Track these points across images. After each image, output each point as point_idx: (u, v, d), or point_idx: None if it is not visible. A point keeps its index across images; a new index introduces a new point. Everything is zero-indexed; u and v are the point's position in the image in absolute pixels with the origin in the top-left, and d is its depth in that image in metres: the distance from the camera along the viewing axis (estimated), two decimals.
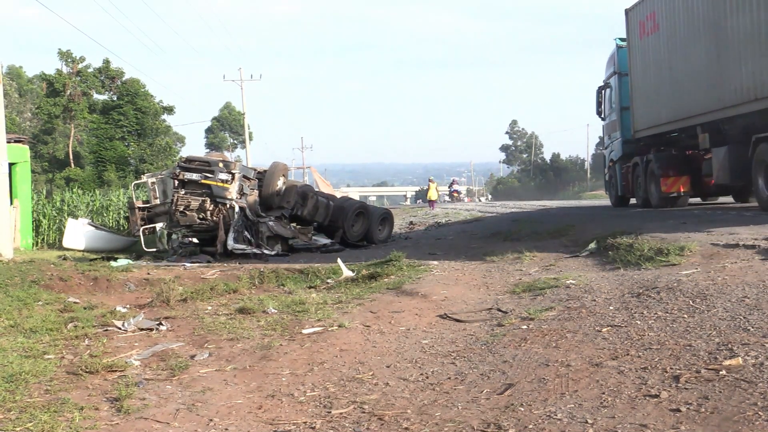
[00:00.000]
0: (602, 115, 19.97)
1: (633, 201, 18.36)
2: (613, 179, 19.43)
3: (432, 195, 36.34)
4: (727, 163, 12.87)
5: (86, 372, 5.30)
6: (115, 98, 43.22)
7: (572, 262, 9.21)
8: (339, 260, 10.66)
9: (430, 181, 39.50)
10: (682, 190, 15.32)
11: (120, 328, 6.99)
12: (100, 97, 44.38)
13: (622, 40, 17.86)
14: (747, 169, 12.13)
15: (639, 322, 5.31)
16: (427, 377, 4.83)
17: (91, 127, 43.30)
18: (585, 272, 8.11)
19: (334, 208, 15.96)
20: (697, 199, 16.78)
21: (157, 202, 15.48)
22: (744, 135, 12.27)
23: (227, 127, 69.33)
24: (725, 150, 12.97)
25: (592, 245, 9.80)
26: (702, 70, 13.38)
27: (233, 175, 13.83)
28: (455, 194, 55.06)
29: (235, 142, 68.90)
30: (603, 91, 19.57)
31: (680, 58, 14.46)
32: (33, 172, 26.51)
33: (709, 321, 5.00)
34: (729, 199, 15.92)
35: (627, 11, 17.07)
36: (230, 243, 13.38)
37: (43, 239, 20.27)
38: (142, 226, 15.07)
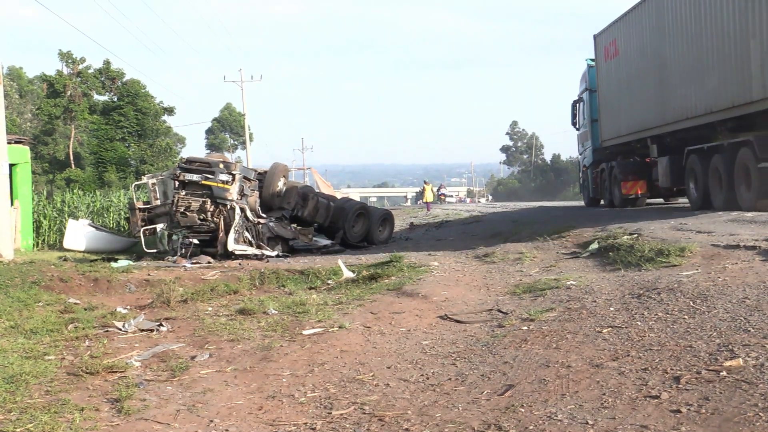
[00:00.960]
0: (577, 126, 22.82)
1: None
2: (586, 182, 22.48)
3: (428, 197, 36.75)
4: (668, 169, 15.69)
5: (87, 373, 5.30)
6: (115, 99, 43.29)
7: (573, 262, 9.21)
8: (339, 261, 10.66)
9: (425, 183, 40.20)
10: (639, 192, 18.06)
11: (120, 329, 6.99)
12: (100, 98, 44.46)
13: (591, 60, 20.66)
14: (682, 175, 14.98)
15: (639, 323, 5.31)
16: (428, 378, 4.83)
17: (92, 128, 43.36)
18: (585, 273, 8.11)
19: (335, 209, 15.96)
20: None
21: (158, 203, 15.48)
22: (681, 147, 14.88)
23: (228, 127, 69.41)
24: (667, 159, 15.72)
25: (593, 246, 9.81)
26: (650, 91, 15.98)
27: (234, 176, 13.82)
28: (442, 197, 61.54)
29: (236, 142, 68.98)
30: (577, 105, 22.44)
31: (635, 80, 17.05)
32: (33, 173, 26.53)
33: (710, 322, 5.00)
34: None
35: (595, 36, 19.96)
36: (231, 244, 13.38)
37: (43, 240, 20.28)
38: (142, 227, 15.06)
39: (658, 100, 15.58)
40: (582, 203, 24.57)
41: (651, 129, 16.30)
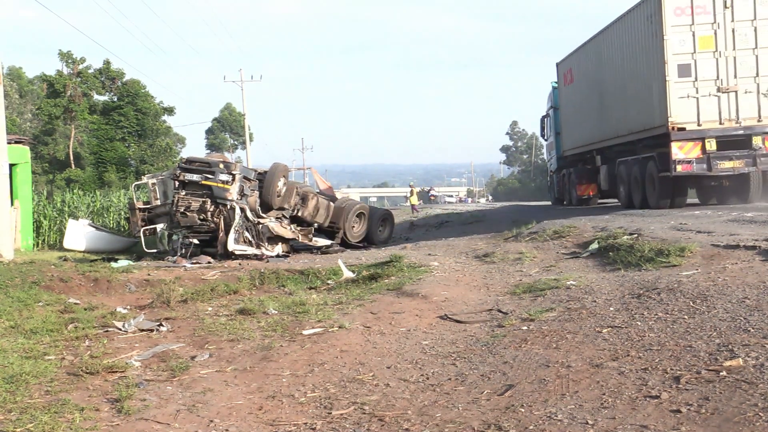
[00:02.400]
0: (545, 137, 27.50)
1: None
2: (552, 185, 27.26)
3: (413, 200, 37.35)
4: (606, 176, 19.87)
5: (87, 373, 5.30)
6: (115, 99, 43.26)
7: (573, 263, 9.21)
8: (339, 261, 10.66)
9: (410, 186, 41.52)
10: (591, 193, 22.09)
11: (120, 329, 6.99)
12: (100, 98, 44.41)
13: (555, 83, 24.76)
14: (615, 181, 18.76)
15: (639, 323, 5.32)
16: (428, 378, 4.83)
17: (92, 128, 43.32)
18: (585, 273, 8.12)
19: (335, 209, 15.96)
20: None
21: (158, 203, 15.48)
22: (615, 158, 18.80)
23: (228, 128, 69.35)
24: (606, 167, 19.87)
25: (593, 246, 9.81)
26: (594, 113, 20.11)
27: (234, 176, 13.82)
28: (432, 198, 72.07)
29: (236, 142, 68.93)
30: (545, 120, 26.62)
31: (584, 103, 21.26)
32: (33, 173, 26.50)
33: (710, 322, 5.00)
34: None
35: (557, 64, 23.93)
36: (231, 244, 13.38)
37: (43, 240, 20.26)
38: (142, 227, 15.06)
39: (599, 120, 19.75)
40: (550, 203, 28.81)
41: (595, 143, 20.49)
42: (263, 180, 14.78)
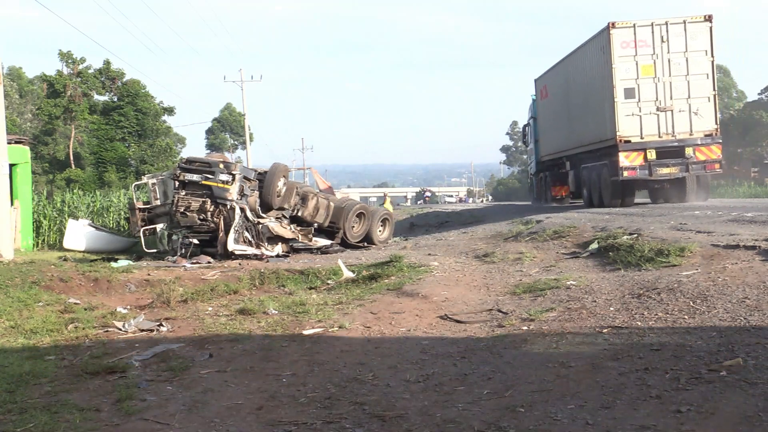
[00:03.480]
0: (526, 144, 31.62)
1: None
2: (532, 186, 31.21)
3: (388, 206, 37.81)
4: (573, 179, 22.97)
5: (87, 373, 5.29)
6: (115, 99, 43.25)
7: (573, 262, 9.21)
8: (339, 261, 10.66)
9: (384, 195, 42.44)
10: (563, 194, 25.42)
11: (120, 329, 6.99)
12: (100, 98, 44.40)
13: (534, 96, 28.17)
14: (580, 184, 22.21)
15: (639, 323, 5.32)
16: (428, 378, 4.82)
17: (92, 128, 43.31)
18: (585, 273, 8.12)
19: (335, 209, 15.96)
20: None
21: (158, 203, 15.47)
22: (580, 164, 22.05)
23: (228, 128, 69.31)
24: (573, 172, 22.99)
25: (593, 246, 9.81)
26: (563, 125, 23.40)
27: (234, 176, 13.82)
28: (426, 198, 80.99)
29: (236, 142, 68.88)
30: (526, 128, 30.76)
31: (556, 116, 24.57)
32: (33, 173, 26.49)
33: (710, 322, 5.00)
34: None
35: (535, 80, 27.36)
36: (231, 244, 13.37)
37: (43, 240, 20.25)
38: (142, 227, 15.06)
39: (567, 131, 23.01)
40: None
41: (565, 151, 23.63)
42: (263, 180, 14.78)
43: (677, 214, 13.45)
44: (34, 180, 27.33)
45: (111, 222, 22.46)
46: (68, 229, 17.78)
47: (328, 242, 15.57)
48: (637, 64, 18.16)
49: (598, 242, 9.87)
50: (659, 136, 18.04)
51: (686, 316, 5.25)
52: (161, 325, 7.07)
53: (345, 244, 15.75)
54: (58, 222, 20.73)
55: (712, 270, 6.69)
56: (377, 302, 7.70)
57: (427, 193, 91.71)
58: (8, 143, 14.73)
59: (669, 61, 18.06)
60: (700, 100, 18.14)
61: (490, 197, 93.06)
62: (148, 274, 10.80)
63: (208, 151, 64.63)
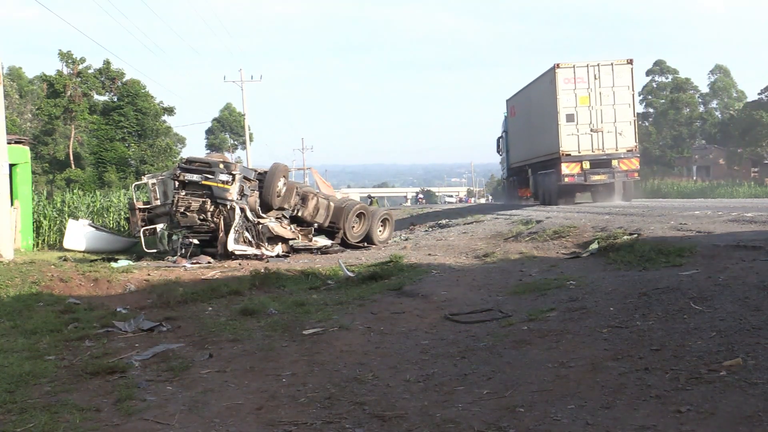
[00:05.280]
0: (500, 153, 37.90)
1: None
2: (504, 189, 41.51)
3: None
4: (533, 183, 28.79)
5: (87, 373, 5.29)
6: (115, 99, 43.27)
7: (573, 263, 9.21)
8: (339, 261, 10.67)
9: (369, 197, 44.84)
10: (527, 195, 31.02)
11: (120, 329, 6.98)
12: (100, 98, 44.43)
13: (506, 113, 34.35)
14: (537, 187, 27.87)
15: (639, 323, 5.31)
16: (428, 378, 4.82)
17: (92, 128, 43.33)
18: (586, 273, 8.11)
19: (335, 209, 15.96)
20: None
21: (158, 203, 15.48)
22: (537, 171, 27.67)
23: (228, 128, 69.32)
24: (532, 177, 28.82)
25: (593, 246, 9.81)
26: (525, 139, 29.35)
27: (234, 176, 13.82)
28: (420, 200, 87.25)
29: (236, 143, 68.89)
30: (500, 140, 37.28)
31: (520, 131, 30.67)
32: (33, 173, 26.49)
33: (710, 322, 5.00)
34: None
35: (507, 100, 33.51)
36: (231, 244, 13.38)
37: (43, 240, 20.25)
38: (142, 227, 15.06)
39: (528, 145, 28.78)
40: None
41: (527, 160, 29.64)
42: (263, 180, 14.78)
43: (677, 214, 13.44)
44: (34, 180, 27.33)
45: (111, 222, 22.47)
46: (68, 229, 17.78)
47: (328, 242, 15.58)
48: (576, 95, 23.49)
49: (599, 242, 9.88)
50: (592, 151, 23.54)
51: (686, 316, 5.25)
52: (161, 325, 7.07)
53: (345, 244, 15.76)
54: (58, 222, 20.73)
55: (713, 270, 6.69)
56: (377, 302, 7.70)
57: (420, 195, 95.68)
58: (8, 143, 14.73)
59: (600, 93, 23.45)
60: (624, 124, 23.44)
61: (490, 197, 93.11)
62: (148, 274, 10.80)
63: (208, 151, 64.65)
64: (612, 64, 23.61)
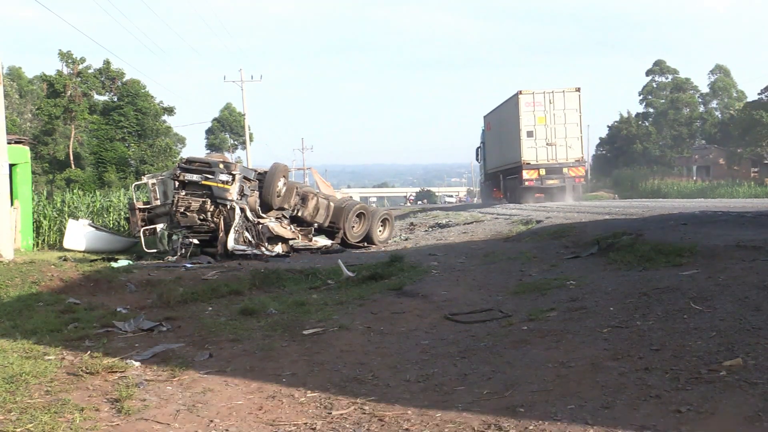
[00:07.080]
0: (479, 161, 46.11)
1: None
2: (481, 191, 51.24)
3: None
4: (503, 186, 36.34)
5: (87, 373, 5.29)
6: (115, 99, 43.29)
7: (573, 263, 9.20)
8: (339, 261, 10.66)
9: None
10: (500, 196, 36.74)
11: (120, 329, 6.98)
12: (100, 98, 44.44)
13: (483, 127, 41.21)
14: (506, 189, 35.29)
15: (639, 323, 5.31)
16: (428, 378, 4.82)
17: (92, 128, 43.32)
18: (586, 273, 8.11)
19: (335, 209, 15.97)
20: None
21: (158, 203, 15.48)
22: (506, 176, 34.88)
23: (228, 128, 69.30)
24: (503, 182, 35.89)
25: (594, 246, 9.80)
26: (498, 150, 36.51)
27: (234, 176, 13.82)
28: (410, 201, 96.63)
29: (236, 143, 68.86)
30: (478, 149, 44.69)
31: (494, 143, 37.71)
32: (33, 173, 26.48)
33: (710, 322, 5.00)
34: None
35: (484, 117, 40.64)
36: (231, 244, 13.38)
37: (43, 240, 20.24)
38: (142, 227, 15.07)
39: (499, 155, 35.85)
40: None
41: (498, 168, 36.54)
42: (263, 180, 14.79)
43: (677, 214, 13.44)
44: (34, 180, 27.33)
45: (111, 222, 22.46)
46: (68, 229, 17.77)
47: (328, 242, 15.58)
48: (534, 116, 30.17)
49: (599, 242, 9.87)
50: (548, 161, 30.32)
51: (686, 316, 5.24)
52: (161, 325, 7.07)
53: (345, 244, 15.77)
54: (58, 222, 20.72)
55: (713, 270, 6.68)
56: (377, 302, 7.70)
57: (411, 196, 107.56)
58: (8, 143, 14.71)
59: (554, 114, 30.13)
60: (573, 139, 30.22)
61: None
62: (149, 274, 10.80)
63: (208, 151, 64.61)
64: (564, 91, 30.30)
